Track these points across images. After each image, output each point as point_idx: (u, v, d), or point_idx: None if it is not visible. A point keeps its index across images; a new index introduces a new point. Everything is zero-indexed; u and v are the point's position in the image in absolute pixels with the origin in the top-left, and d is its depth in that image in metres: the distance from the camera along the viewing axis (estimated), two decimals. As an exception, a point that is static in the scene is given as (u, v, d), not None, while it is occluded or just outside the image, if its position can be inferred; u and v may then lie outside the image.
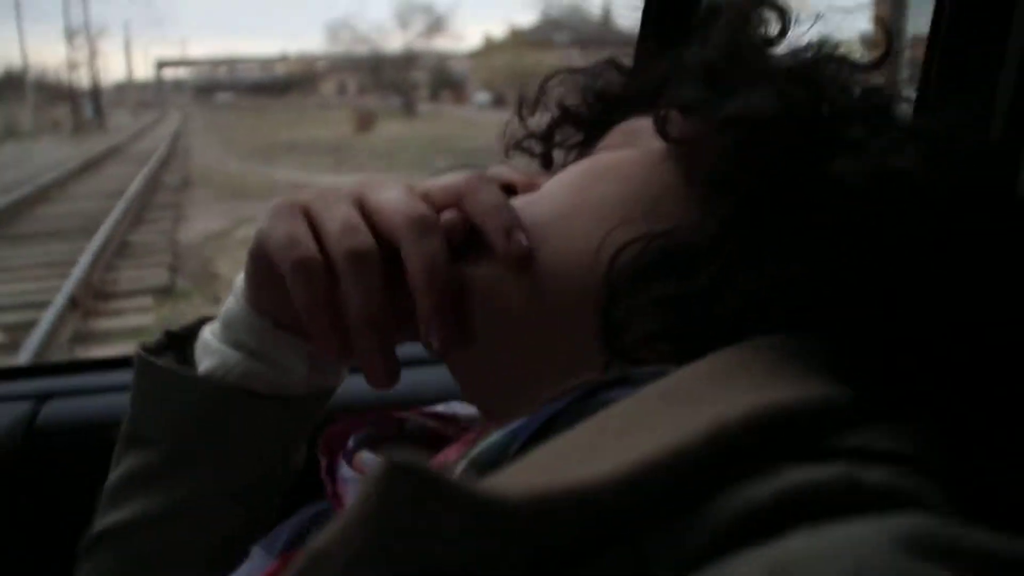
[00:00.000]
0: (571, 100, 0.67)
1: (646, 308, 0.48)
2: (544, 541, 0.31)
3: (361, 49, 59.33)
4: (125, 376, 1.03)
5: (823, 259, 0.45)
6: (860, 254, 0.44)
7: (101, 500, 0.67)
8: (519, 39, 51.67)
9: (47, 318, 5.42)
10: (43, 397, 1.03)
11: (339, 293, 0.53)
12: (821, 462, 0.32)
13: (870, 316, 0.43)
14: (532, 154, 0.68)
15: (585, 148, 0.66)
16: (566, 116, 0.67)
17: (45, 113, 39.82)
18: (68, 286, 6.06)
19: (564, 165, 0.66)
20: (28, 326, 5.38)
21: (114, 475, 0.66)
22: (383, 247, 0.54)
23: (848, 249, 0.44)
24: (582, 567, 0.31)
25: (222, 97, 68.22)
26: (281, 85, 70.95)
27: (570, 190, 0.56)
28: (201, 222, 9.81)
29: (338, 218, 0.54)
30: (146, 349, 0.66)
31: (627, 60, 0.69)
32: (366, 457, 0.56)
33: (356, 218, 0.54)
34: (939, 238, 0.44)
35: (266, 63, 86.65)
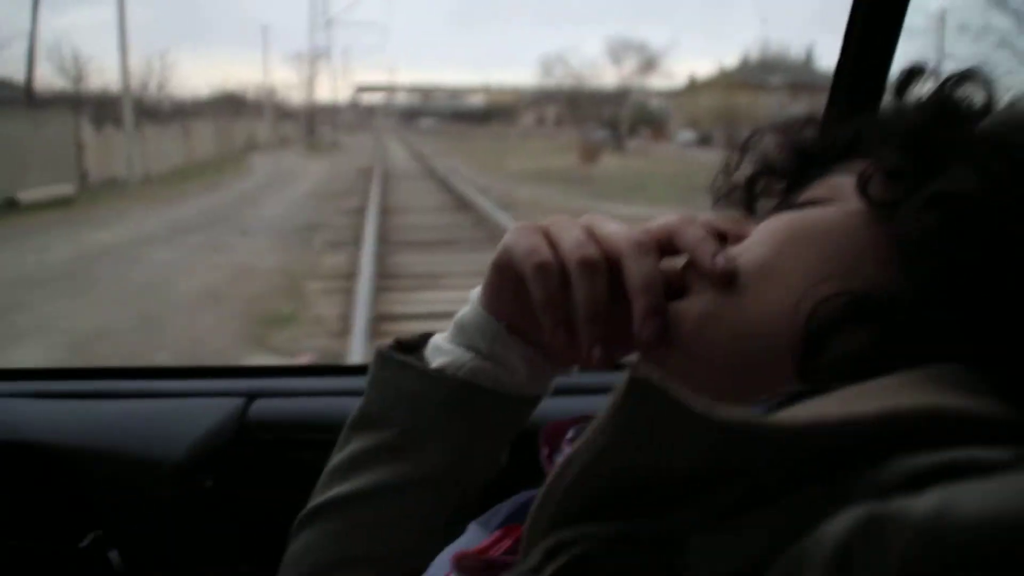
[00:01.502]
0: (773, 154, 0.72)
1: (839, 357, 0.52)
2: (747, 462, 0.37)
3: (571, 83, 59.65)
4: (319, 382, 1.24)
5: (1016, 326, 0.48)
6: None
7: (321, 479, 0.75)
8: (728, 80, 51.04)
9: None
10: (253, 395, 1.15)
11: (570, 295, 0.64)
12: (988, 448, 0.36)
13: None
14: (737, 204, 0.73)
15: (787, 197, 0.69)
16: (768, 169, 0.72)
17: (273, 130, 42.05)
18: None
19: (768, 212, 0.68)
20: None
21: (340, 455, 0.75)
22: (607, 268, 0.63)
23: None
24: (783, 493, 0.37)
25: (425, 123, 70.36)
26: (481, 114, 72.66)
27: (775, 246, 0.60)
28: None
29: (573, 236, 0.65)
30: (384, 348, 0.75)
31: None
32: None
33: (587, 237, 0.64)
34: None
35: (456, 92, 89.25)
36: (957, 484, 0.33)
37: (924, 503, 0.32)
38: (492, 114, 71.40)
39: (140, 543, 1.07)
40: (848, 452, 0.38)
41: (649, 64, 58.53)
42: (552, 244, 0.65)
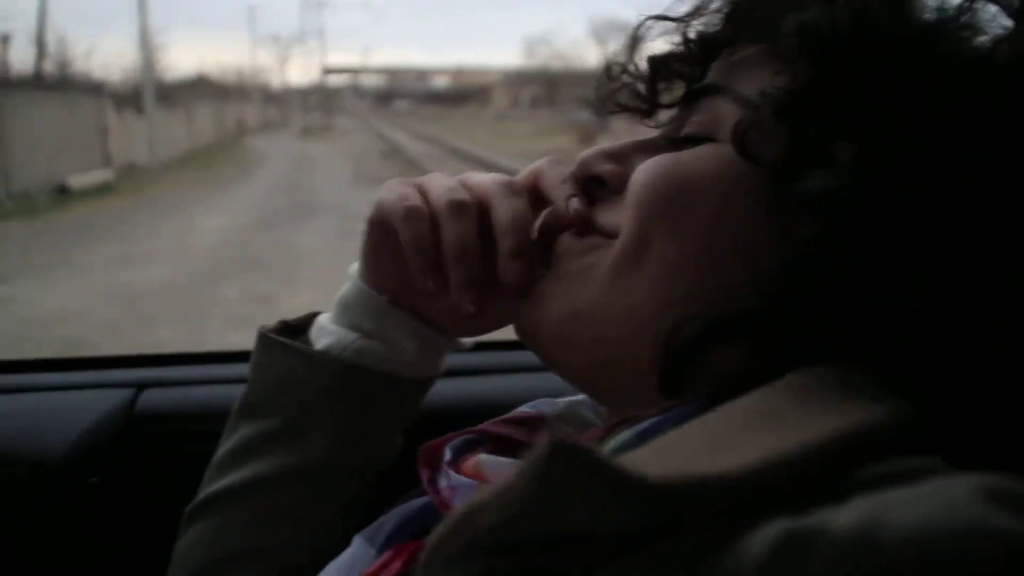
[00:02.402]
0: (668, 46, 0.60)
1: (703, 370, 0.48)
2: (675, 516, 0.35)
3: (555, 64, 59.56)
4: (214, 370, 1.16)
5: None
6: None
7: (208, 471, 0.72)
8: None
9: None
10: (141, 386, 1.08)
11: (439, 239, 0.61)
12: (910, 458, 0.36)
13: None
14: (631, 109, 0.62)
15: (683, 109, 0.59)
16: (662, 65, 0.60)
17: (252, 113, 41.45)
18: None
19: (654, 146, 0.59)
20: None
21: (226, 445, 0.71)
22: (477, 213, 0.61)
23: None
24: (706, 538, 0.35)
25: (400, 105, 69.84)
26: (454, 95, 72.30)
27: (643, 221, 0.53)
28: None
29: (442, 184, 0.63)
30: (266, 332, 0.71)
31: None
32: (485, 459, 0.58)
33: (457, 184, 0.63)
34: None
35: (424, 73, 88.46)
36: (882, 493, 0.32)
37: (847, 517, 0.30)
38: (468, 95, 71.19)
39: (21, 547, 0.98)
40: (772, 493, 0.36)
41: (634, 44, 58.42)
42: (424, 195, 0.63)
